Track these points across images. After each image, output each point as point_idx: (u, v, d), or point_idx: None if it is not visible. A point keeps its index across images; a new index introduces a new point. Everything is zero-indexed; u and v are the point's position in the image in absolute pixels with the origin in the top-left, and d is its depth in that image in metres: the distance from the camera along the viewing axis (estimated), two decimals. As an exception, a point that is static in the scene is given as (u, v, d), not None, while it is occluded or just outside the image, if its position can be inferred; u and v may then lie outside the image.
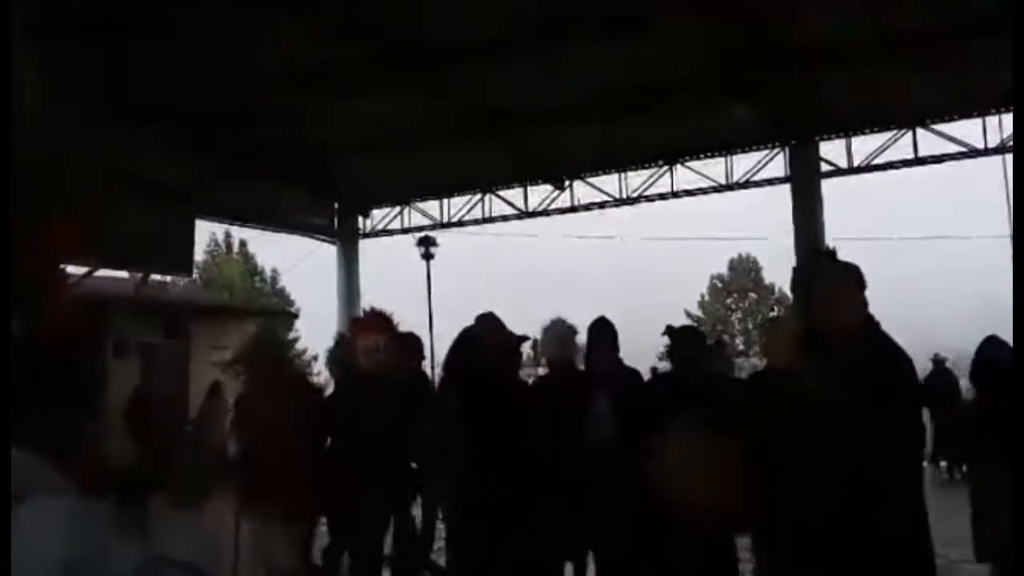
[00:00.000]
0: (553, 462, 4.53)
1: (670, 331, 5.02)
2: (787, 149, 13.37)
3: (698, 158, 13.97)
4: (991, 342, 4.83)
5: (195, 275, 26.13)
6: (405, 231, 16.86)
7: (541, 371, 7.03)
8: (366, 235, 16.65)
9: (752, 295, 45.88)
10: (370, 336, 4.90)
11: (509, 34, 9.51)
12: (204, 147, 11.53)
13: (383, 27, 9.38)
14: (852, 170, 13.35)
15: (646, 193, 14.64)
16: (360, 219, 16.44)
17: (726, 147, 13.67)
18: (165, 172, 11.17)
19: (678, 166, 14.18)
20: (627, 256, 54.95)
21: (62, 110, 7.55)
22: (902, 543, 2.92)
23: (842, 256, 3.40)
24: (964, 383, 9.43)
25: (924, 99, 11.72)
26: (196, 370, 15.83)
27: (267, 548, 3.90)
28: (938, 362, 13.92)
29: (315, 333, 27.16)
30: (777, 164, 13.67)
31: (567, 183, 14.88)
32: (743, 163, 13.93)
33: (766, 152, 13.67)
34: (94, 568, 1.29)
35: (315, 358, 24.23)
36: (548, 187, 15.00)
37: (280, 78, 10.22)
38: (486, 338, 4.45)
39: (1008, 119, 12.01)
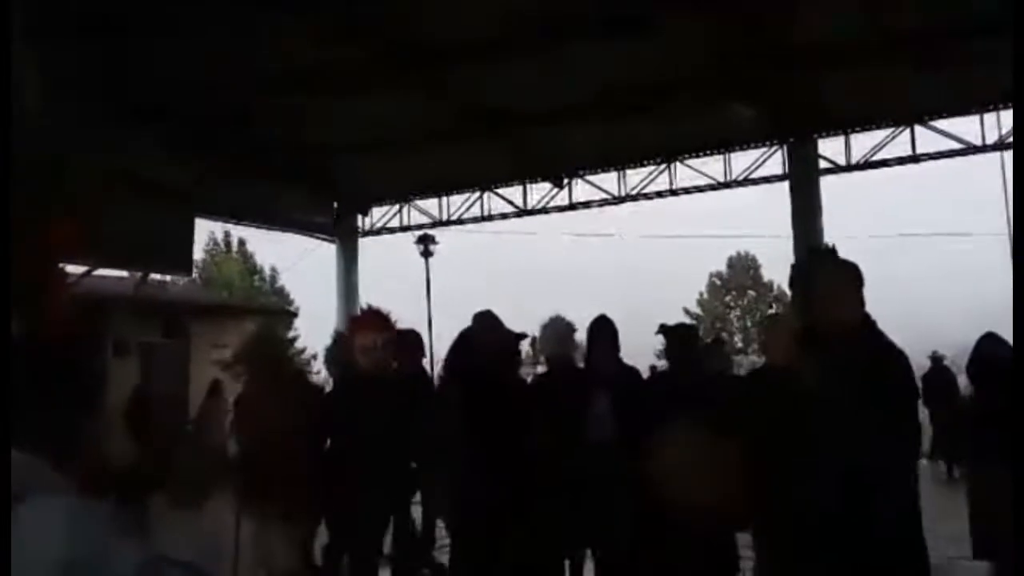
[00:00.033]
0: (553, 461, 4.53)
1: (664, 329, 5.03)
2: (786, 147, 13.33)
3: (697, 156, 13.94)
4: (989, 339, 4.84)
5: (194, 274, 26.11)
6: (404, 229, 16.82)
7: (540, 369, 7.02)
8: (365, 233, 16.57)
9: (751, 293, 45.99)
10: (368, 334, 4.85)
11: (509, 34, 9.50)
12: (204, 147, 11.52)
13: (383, 27, 9.37)
14: (851, 167, 13.32)
15: (645, 191, 14.60)
16: (359, 217, 16.39)
17: (725, 145, 13.63)
18: (165, 172, 11.17)
19: (677, 164, 14.15)
20: (626, 254, 55.05)
21: (62, 110, 7.55)
22: (896, 539, 2.94)
23: (841, 253, 3.41)
24: (963, 380, 9.42)
25: (923, 98, 11.71)
26: (196, 369, 15.85)
27: (267, 548, 3.91)
28: (936, 359, 13.93)
29: (314, 332, 27.25)
30: (776, 162, 13.64)
31: (566, 181, 14.85)
32: (742, 161, 13.91)
33: (764, 150, 13.63)
34: (94, 568, 1.30)
35: (314, 357, 24.29)
36: (547, 185, 14.97)
37: (280, 78, 10.21)
38: (485, 336, 4.46)
39: (1006, 115, 11.99)
